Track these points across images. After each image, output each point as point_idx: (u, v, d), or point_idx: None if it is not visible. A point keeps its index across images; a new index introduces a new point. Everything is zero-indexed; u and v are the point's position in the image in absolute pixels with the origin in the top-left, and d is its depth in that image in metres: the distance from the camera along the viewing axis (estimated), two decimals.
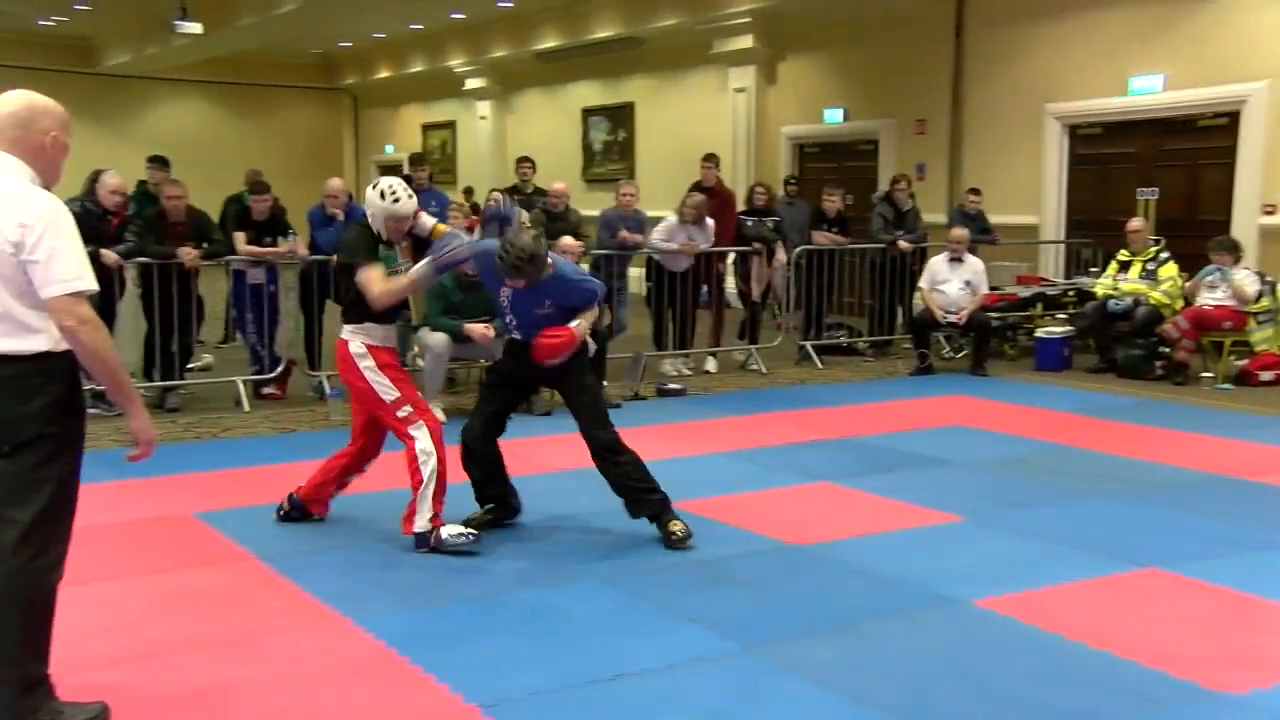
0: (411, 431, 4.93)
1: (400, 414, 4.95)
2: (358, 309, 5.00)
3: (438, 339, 7.70)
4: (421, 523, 4.88)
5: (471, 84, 19.96)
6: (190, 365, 8.84)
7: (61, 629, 3.22)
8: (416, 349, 8.12)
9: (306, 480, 5.40)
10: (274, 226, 8.57)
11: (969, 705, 3.45)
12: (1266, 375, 9.09)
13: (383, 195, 4.98)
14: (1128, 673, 3.67)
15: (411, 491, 4.92)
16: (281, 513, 5.39)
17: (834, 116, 14.45)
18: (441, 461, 4.93)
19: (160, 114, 22.52)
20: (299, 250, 8.58)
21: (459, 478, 5.20)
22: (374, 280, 4.90)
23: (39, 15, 18.44)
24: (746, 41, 14.80)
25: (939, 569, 4.68)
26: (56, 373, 3.09)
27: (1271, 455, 6.76)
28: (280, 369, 8.63)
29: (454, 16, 17.98)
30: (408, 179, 10.08)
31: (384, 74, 22.24)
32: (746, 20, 14.56)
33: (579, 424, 5.21)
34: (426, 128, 22.30)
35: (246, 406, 8.05)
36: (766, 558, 4.86)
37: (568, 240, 8.33)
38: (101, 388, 3.26)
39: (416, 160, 10.30)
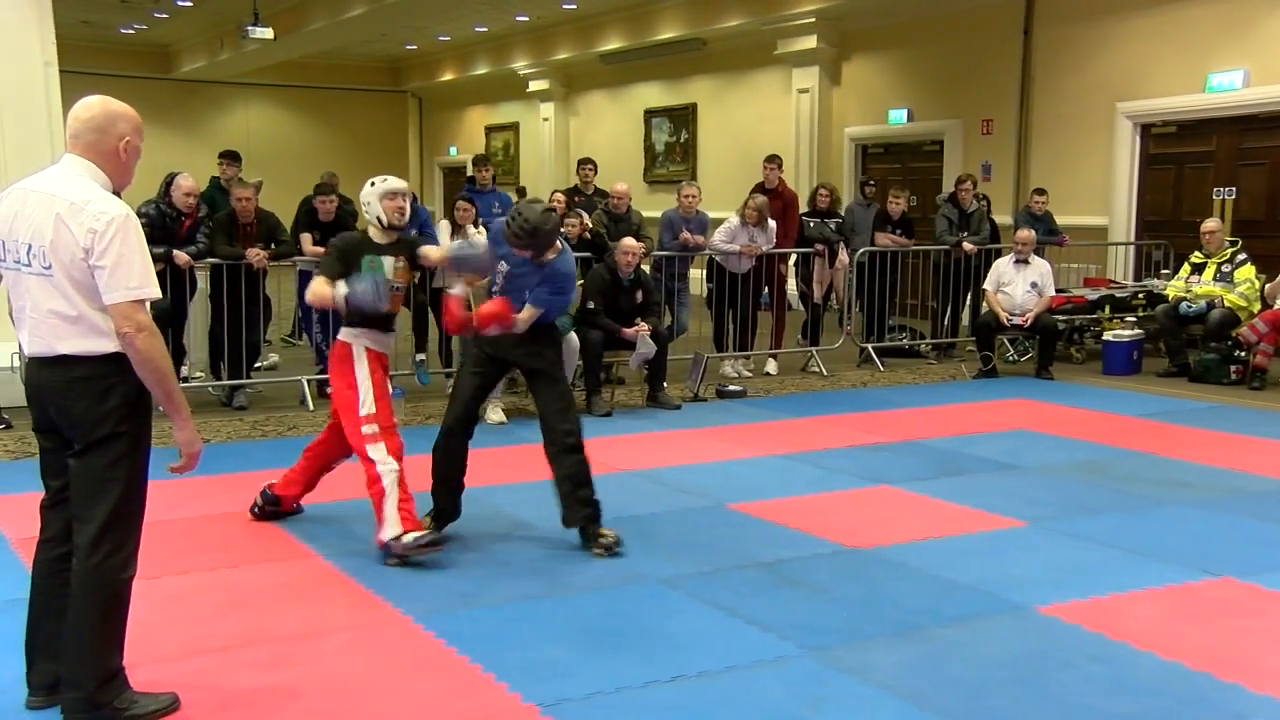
0: (370, 452, 4.86)
1: (365, 430, 4.90)
2: (360, 314, 5.04)
3: None
4: (390, 531, 4.74)
5: (535, 85, 20.07)
6: (257, 364, 8.99)
7: (132, 622, 3.30)
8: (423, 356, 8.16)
9: (281, 478, 5.45)
10: (340, 228, 8.67)
11: (1033, 713, 3.39)
12: None
13: (371, 183, 5.16)
14: (1202, 684, 3.58)
15: (374, 507, 4.82)
16: (255, 510, 5.44)
17: (898, 117, 14.30)
18: (401, 472, 4.87)
19: (232, 118, 22.98)
20: None
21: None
22: (311, 287, 5.10)
23: (122, 24, 18.93)
24: (810, 42, 14.71)
25: (1002, 574, 4.61)
26: (128, 373, 3.16)
27: None
28: None
29: (519, 19, 18.10)
30: (471, 180, 10.22)
31: (449, 76, 22.46)
32: (810, 21, 14.47)
33: (542, 415, 5.14)
34: (490, 129, 22.48)
35: (311, 405, 8.17)
36: (827, 561, 4.83)
37: (629, 241, 8.33)
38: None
39: (480, 161, 10.38)
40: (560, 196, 10.18)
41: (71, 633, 3.19)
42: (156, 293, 3.18)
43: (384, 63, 23.84)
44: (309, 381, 8.50)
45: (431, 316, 9.11)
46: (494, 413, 7.86)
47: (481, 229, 9.09)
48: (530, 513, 5.58)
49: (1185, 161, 11.51)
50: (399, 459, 4.91)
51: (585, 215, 9.37)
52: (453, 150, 23.63)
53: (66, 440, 3.22)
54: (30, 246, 3.14)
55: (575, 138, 19.71)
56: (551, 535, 5.20)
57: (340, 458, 5.36)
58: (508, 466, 6.60)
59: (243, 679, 3.65)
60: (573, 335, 7.94)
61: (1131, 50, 11.60)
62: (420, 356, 9.12)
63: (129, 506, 3.22)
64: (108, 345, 3.14)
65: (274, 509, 5.44)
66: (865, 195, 11.40)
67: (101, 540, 3.15)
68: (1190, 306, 9.62)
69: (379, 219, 5.14)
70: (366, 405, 4.96)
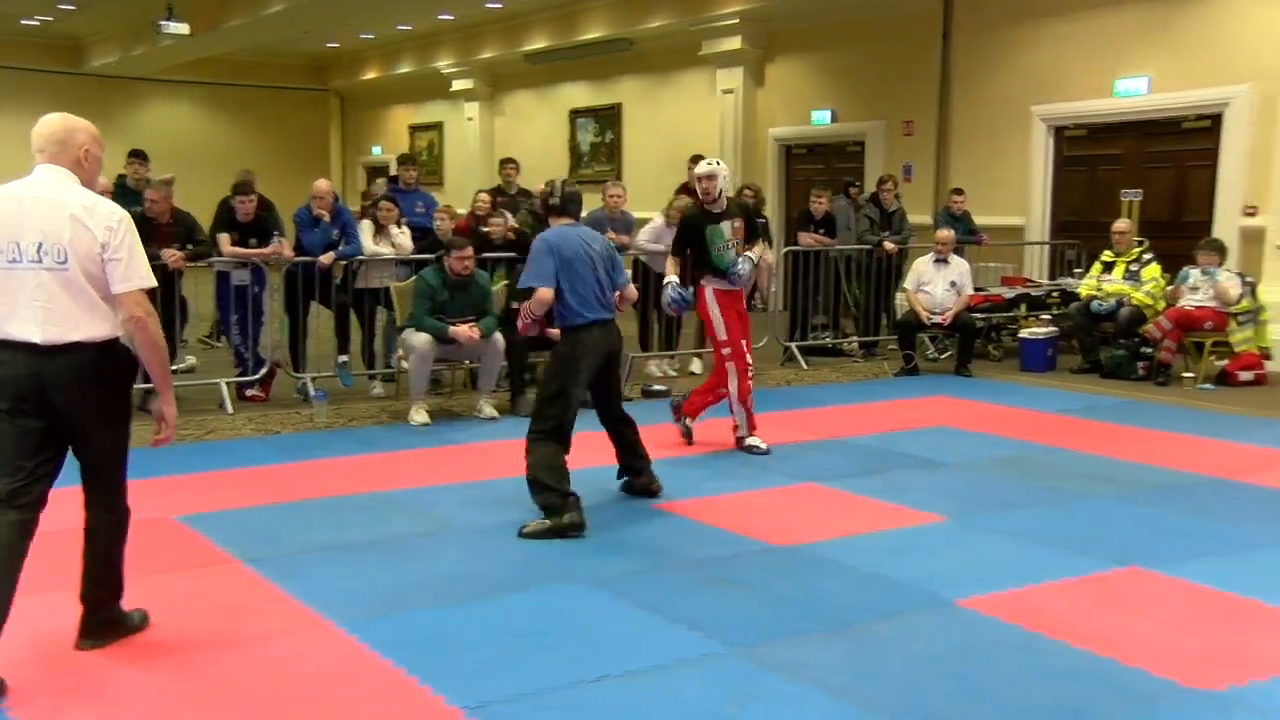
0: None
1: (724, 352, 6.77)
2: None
3: (421, 339, 7.70)
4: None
5: (459, 85, 19.94)
6: (174, 367, 8.80)
7: (45, 633, 3.22)
8: (400, 350, 8.11)
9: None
10: (259, 228, 8.55)
11: (954, 704, 3.46)
12: (1246, 375, 9.15)
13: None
14: (1108, 670, 3.69)
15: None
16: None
17: (822, 118, 14.47)
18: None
19: (149, 115, 22.42)
20: (284, 251, 8.56)
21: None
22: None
23: (24, 15, 18.34)
24: (735, 43, 14.82)
25: (924, 569, 4.69)
26: (121, 357, 3.68)
27: (1252, 455, 6.80)
28: (264, 371, 8.60)
29: (443, 17, 17.96)
30: (394, 179, 10.12)
31: (372, 75, 22.20)
32: (735, 22, 14.59)
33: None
34: (414, 129, 22.27)
35: (230, 409, 8.03)
36: (755, 559, 4.87)
37: None
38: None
39: (404, 161, 10.30)
40: (484, 197, 10.14)
41: (108, 567, 3.82)
42: (154, 282, 3.70)
43: (306, 61, 23.47)
44: (228, 384, 8.35)
45: (355, 318, 9.01)
46: (420, 415, 7.80)
47: (404, 229, 9.02)
48: (458, 514, 5.55)
49: (1097, 164, 11.82)
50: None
51: (509, 215, 9.34)
52: (376, 150, 23.37)
53: (54, 423, 3.59)
54: (40, 245, 3.51)
55: (501, 137, 19.62)
56: (480, 536, 5.18)
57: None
58: (435, 467, 6.56)
59: (159, 689, 3.57)
60: (497, 335, 7.91)
61: (1045, 55, 11.89)
62: (343, 359, 9.02)
63: (125, 470, 3.81)
64: (110, 331, 3.61)
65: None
66: (849, 195, 11.49)
67: (117, 504, 3.80)
68: (1101, 305, 9.89)
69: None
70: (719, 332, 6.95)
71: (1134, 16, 11.12)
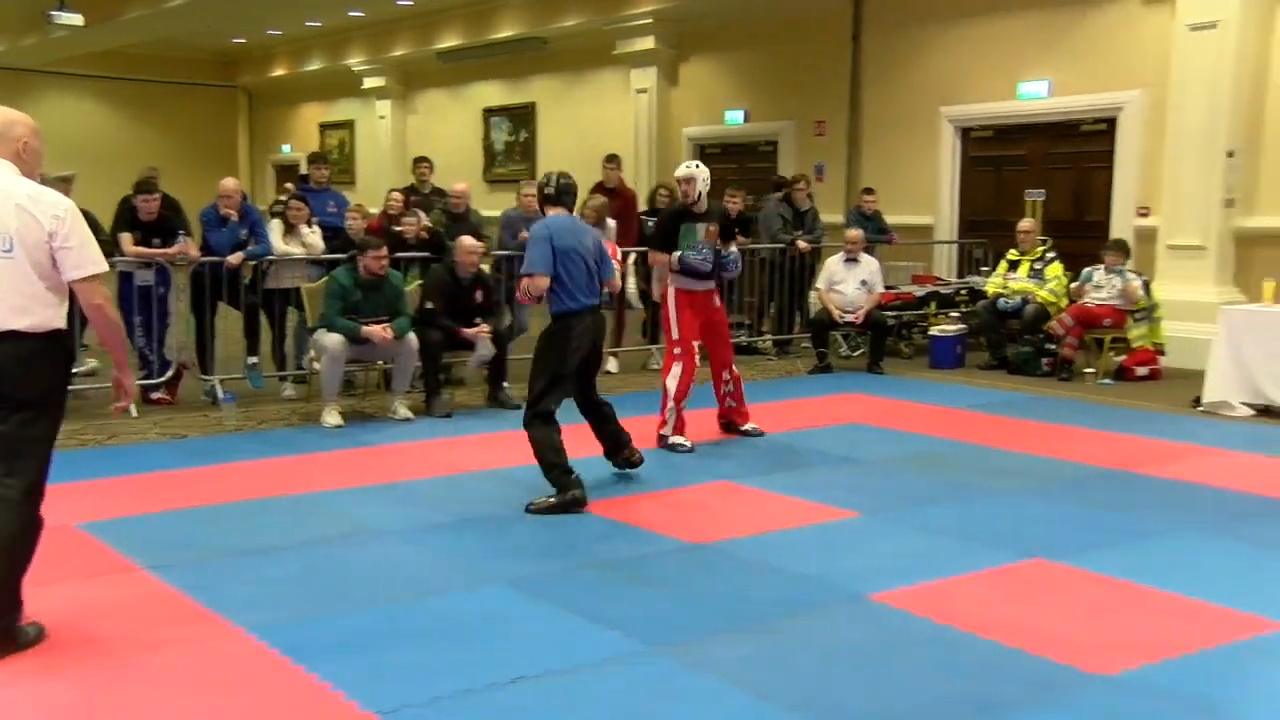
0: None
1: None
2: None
3: (333, 340, 7.58)
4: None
5: (371, 83, 19.68)
6: (75, 370, 8.52)
7: None
8: (312, 352, 7.97)
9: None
10: (163, 227, 8.33)
11: (867, 697, 3.51)
12: (1142, 370, 9.46)
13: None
14: (1015, 659, 3.78)
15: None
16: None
17: (735, 118, 14.59)
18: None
19: (44, 109, 21.63)
20: (190, 251, 8.35)
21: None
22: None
23: None
24: (649, 43, 14.87)
25: (838, 565, 4.76)
26: (61, 347, 3.75)
27: (1148, 447, 7.03)
28: (170, 373, 8.39)
29: (352, 14, 17.70)
30: (305, 178, 9.95)
31: (281, 72, 21.81)
32: (648, 22, 14.64)
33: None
34: (325, 127, 21.93)
35: (134, 412, 7.81)
36: (672, 557, 4.89)
37: (469, 241, 8.26)
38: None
39: (315, 159, 10.12)
40: (397, 196, 10.02)
41: (7, 579, 3.67)
42: (107, 267, 3.83)
43: (212, 56, 22.94)
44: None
45: (265, 319, 8.84)
46: (332, 417, 7.68)
47: (315, 228, 8.88)
48: (372, 516, 5.48)
49: (1002, 164, 12.11)
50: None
51: (423, 215, 9.25)
52: (286, 148, 22.96)
53: None
54: None
55: (414, 136, 19.42)
56: (395, 539, 5.12)
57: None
58: (348, 469, 6.46)
59: (63, 699, 3.46)
60: (411, 336, 7.82)
61: (952, 58, 12.14)
62: (252, 360, 8.84)
63: (49, 463, 3.78)
64: (55, 320, 3.69)
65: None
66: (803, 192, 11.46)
67: (33, 492, 3.71)
68: (1007, 302, 10.13)
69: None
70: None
71: (1035, 22, 11.42)
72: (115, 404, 4.07)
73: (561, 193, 5.89)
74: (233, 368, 8.74)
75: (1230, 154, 9.82)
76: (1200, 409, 8.18)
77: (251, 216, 8.60)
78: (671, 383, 6.98)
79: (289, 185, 12.62)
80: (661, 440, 6.98)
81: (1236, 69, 9.72)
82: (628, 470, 6.22)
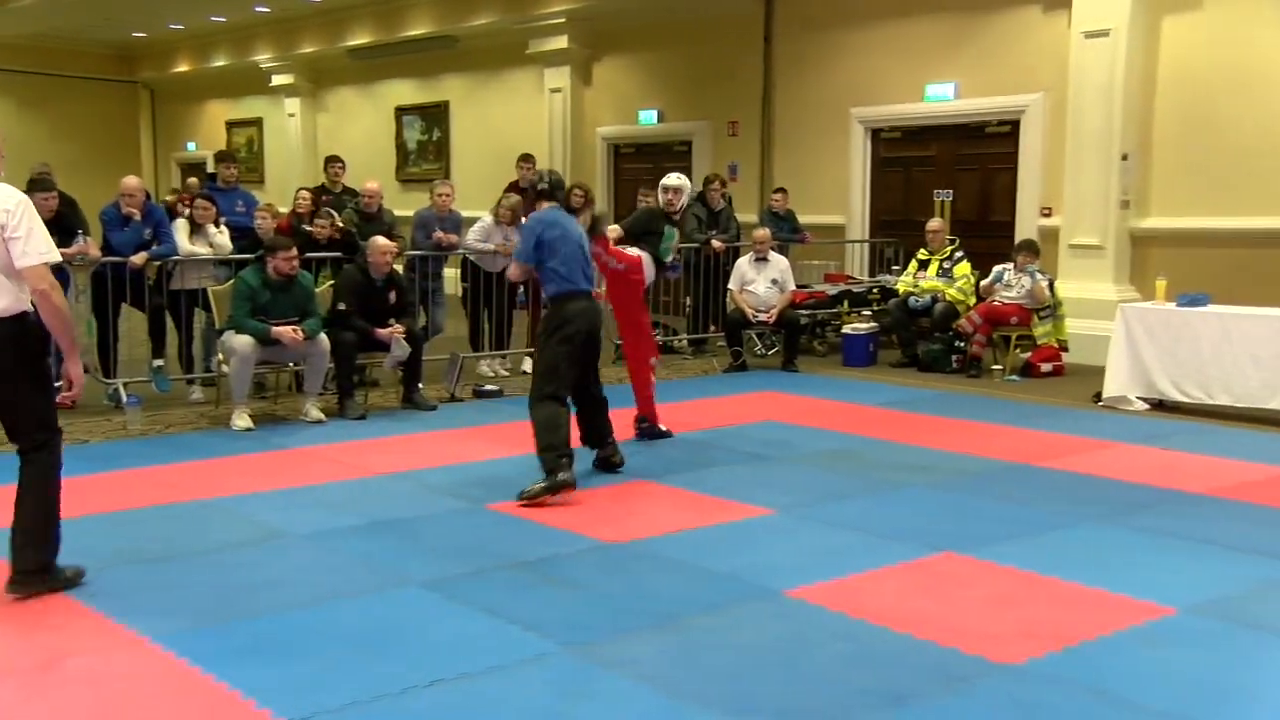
0: None
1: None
2: None
3: (242, 342, 7.43)
4: None
5: (279, 80, 19.32)
6: None
7: None
8: (221, 354, 7.81)
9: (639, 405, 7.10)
10: (60, 226, 8.05)
11: (781, 693, 3.55)
12: (1046, 367, 9.73)
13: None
14: (926, 652, 3.86)
15: None
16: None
17: (648, 118, 14.64)
18: None
19: None
20: (90, 251, 8.10)
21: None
22: None
23: None
24: (562, 42, 14.85)
25: (754, 561, 4.81)
26: (38, 325, 4.11)
27: (1051, 442, 7.23)
28: None
29: (259, 10, 17.37)
30: (212, 177, 9.73)
31: (184, 67, 21.28)
32: (561, 21, 14.62)
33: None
34: (232, 125, 21.46)
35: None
36: (587, 557, 4.89)
37: (382, 241, 8.16)
38: None
39: (223, 158, 9.90)
40: (306, 195, 9.87)
41: (33, 511, 4.24)
42: (59, 257, 4.18)
43: (110, 49, 22.26)
44: None
45: (170, 321, 8.63)
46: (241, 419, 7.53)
47: (223, 228, 8.69)
48: (283, 520, 5.39)
49: (911, 165, 12.35)
50: None
51: (335, 215, 9.12)
52: (191, 146, 22.42)
53: None
54: None
55: (324, 134, 19.13)
56: (306, 543, 5.04)
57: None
58: (259, 473, 6.35)
59: None
60: (323, 337, 7.71)
61: (862, 60, 12.34)
62: (158, 363, 8.62)
63: (54, 423, 4.32)
64: (13, 305, 4.01)
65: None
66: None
67: (49, 443, 4.27)
68: (918, 301, 10.33)
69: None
70: None
71: (941, 26, 11.67)
72: (63, 394, 4.28)
73: (554, 187, 6.32)
74: (137, 371, 8.52)
75: (1124, 157, 10.16)
76: (1101, 404, 8.44)
77: (155, 216, 8.39)
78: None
79: (192, 180, 12.31)
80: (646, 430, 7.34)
81: (1128, 76, 10.05)
82: (606, 470, 6.37)
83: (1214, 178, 9.86)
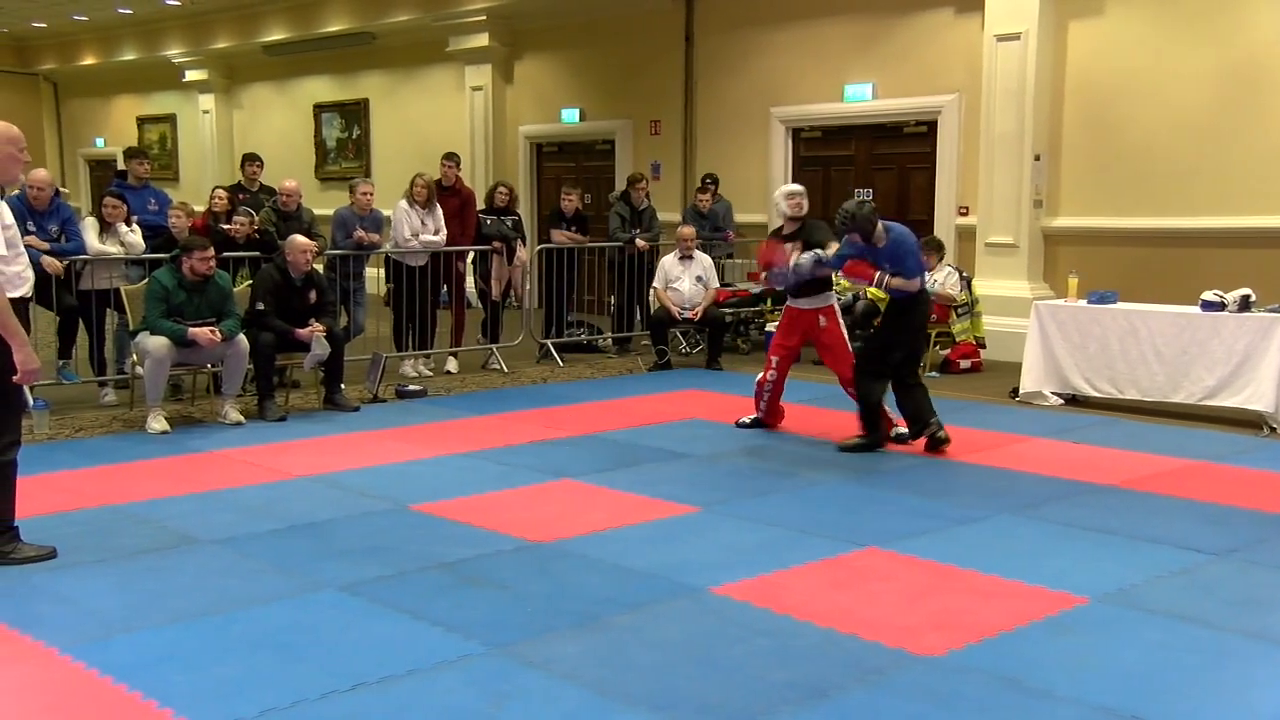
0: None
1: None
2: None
3: (157, 343, 7.25)
4: None
5: (192, 75, 18.90)
6: None
7: None
8: (134, 355, 7.61)
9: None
10: None
11: (706, 688, 3.57)
12: (965, 363, 9.92)
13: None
14: (849, 646, 3.91)
15: None
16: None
17: (570, 116, 14.61)
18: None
19: None
20: None
21: None
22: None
23: None
24: (482, 40, 14.75)
25: (678, 559, 4.82)
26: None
27: (970, 436, 7.36)
28: None
29: (169, 3, 16.97)
30: (123, 174, 9.47)
31: (90, 60, 20.69)
32: (481, 19, 14.53)
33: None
34: (143, 120, 20.93)
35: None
36: (510, 557, 4.86)
37: (301, 240, 8.03)
38: None
39: (133, 155, 9.63)
40: (221, 193, 9.67)
41: None
42: (3, 250, 4.64)
43: (7, 40, 21.53)
44: None
45: (80, 321, 8.38)
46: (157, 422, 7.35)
47: (135, 227, 8.47)
48: (198, 525, 5.26)
49: (830, 164, 12.49)
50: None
51: (253, 213, 8.95)
52: (99, 141, 21.81)
53: None
54: None
55: (240, 131, 18.77)
56: (222, 548, 4.93)
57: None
58: (173, 477, 6.20)
59: None
60: (241, 338, 7.55)
61: (781, 59, 12.45)
62: (64, 363, 8.37)
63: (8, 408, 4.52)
64: None
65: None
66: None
67: None
68: (840, 298, 10.43)
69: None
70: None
71: (858, 27, 11.82)
72: (15, 377, 4.47)
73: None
74: (44, 373, 8.24)
75: (1037, 158, 10.39)
76: (1017, 399, 8.62)
77: (63, 213, 8.14)
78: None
79: (109, 181, 11.97)
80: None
81: (1038, 78, 10.28)
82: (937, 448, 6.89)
83: (1118, 178, 10.13)
